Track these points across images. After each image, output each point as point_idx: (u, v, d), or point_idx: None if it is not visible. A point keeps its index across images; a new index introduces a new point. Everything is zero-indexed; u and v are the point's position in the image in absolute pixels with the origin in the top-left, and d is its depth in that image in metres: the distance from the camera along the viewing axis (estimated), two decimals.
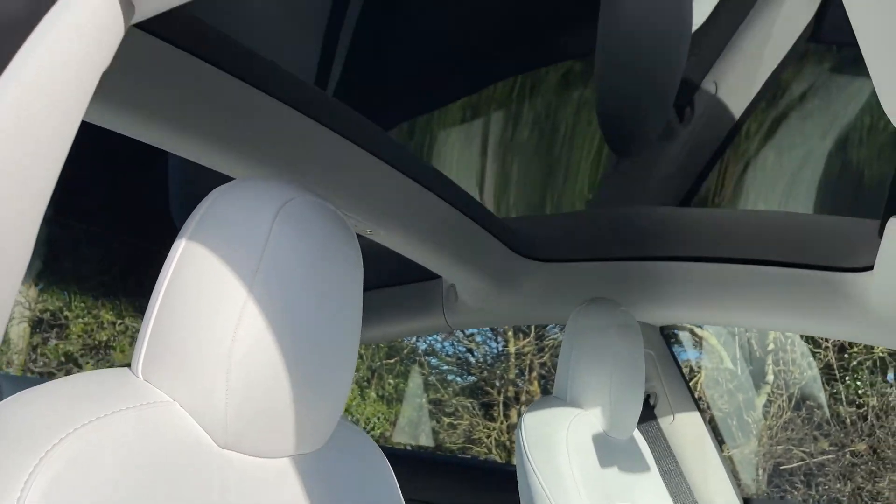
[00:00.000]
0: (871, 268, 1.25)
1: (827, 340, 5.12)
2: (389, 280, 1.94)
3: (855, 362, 5.17)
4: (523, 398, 5.86)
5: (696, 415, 1.82)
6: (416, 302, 1.92)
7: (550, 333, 5.75)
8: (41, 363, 4.78)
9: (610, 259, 1.62)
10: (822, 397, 5.24)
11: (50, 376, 4.71)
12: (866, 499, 4.96)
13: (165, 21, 0.86)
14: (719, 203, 2.07)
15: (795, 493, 5.06)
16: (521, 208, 2.31)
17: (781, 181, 2.08)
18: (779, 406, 5.18)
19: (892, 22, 0.49)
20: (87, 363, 4.82)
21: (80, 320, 4.91)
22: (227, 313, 0.66)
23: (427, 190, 1.32)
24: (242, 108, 0.99)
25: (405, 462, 2.43)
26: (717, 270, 1.52)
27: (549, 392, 1.82)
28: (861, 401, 5.14)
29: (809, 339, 5.17)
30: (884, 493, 4.92)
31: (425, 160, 2.22)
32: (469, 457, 5.74)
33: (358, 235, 0.83)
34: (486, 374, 6.19)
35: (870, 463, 4.99)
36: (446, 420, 5.99)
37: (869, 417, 5.02)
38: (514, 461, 1.37)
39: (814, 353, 5.27)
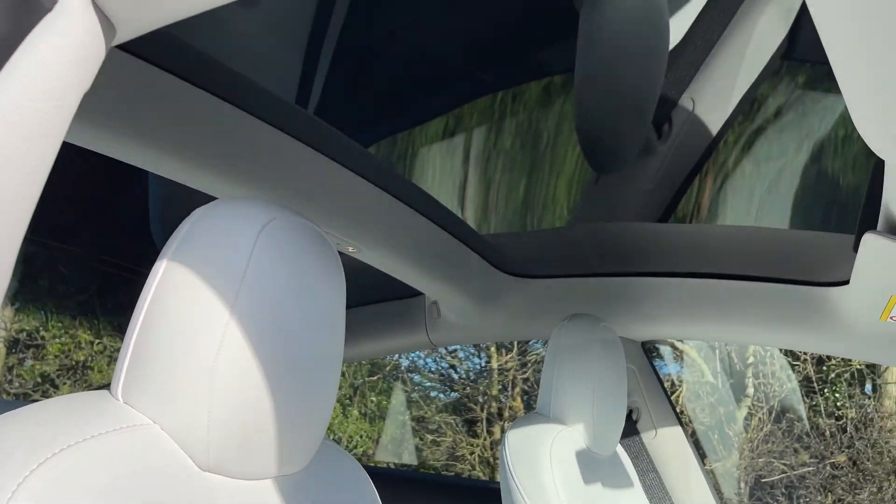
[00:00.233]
0: (846, 282, 1.27)
1: (805, 353, 5.17)
2: (372, 297, 1.94)
3: (833, 374, 5.23)
4: (506, 414, 5.85)
5: (678, 429, 1.83)
6: (399, 319, 1.91)
7: (533, 349, 5.75)
8: (17, 384, 4.69)
9: (591, 275, 1.63)
10: (802, 410, 5.29)
11: (26, 398, 4.62)
12: None
13: (145, 41, 0.87)
14: (698, 219, 2.09)
15: None
16: (502, 225, 2.32)
17: (758, 196, 2.11)
18: (759, 419, 5.22)
19: (860, 39, 0.50)
20: (65, 384, 4.74)
21: (58, 340, 4.83)
22: (209, 334, 0.66)
23: (409, 207, 1.32)
24: (223, 127, 0.99)
25: (389, 481, 2.41)
26: (697, 286, 1.54)
27: (532, 407, 1.82)
28: (840, 413, 5.19)
29: (788, 352, 5.22)
30: None
31: (406, 177, 2.23)
32: (452, 475, 5.71)
33: (340, 253, 0.83)
34: (469, 390, 6.17)
35: (850, 475, 5.03)
36: (429, 437, 5.96)
37: (848, 429, 5.07)
38: (498, 478, 1.37)
39: (793, 366, 5.32)
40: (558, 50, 2.03)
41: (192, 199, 0.81)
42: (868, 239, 1.00)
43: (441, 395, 6.32)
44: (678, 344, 4.95)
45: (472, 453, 5.79)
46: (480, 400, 6.04)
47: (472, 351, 6.20)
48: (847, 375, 5.22)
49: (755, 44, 1.82)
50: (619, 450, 1.49)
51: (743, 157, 2.10)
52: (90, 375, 4.82)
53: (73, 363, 4.84)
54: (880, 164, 0.89)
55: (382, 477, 1.49)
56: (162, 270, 0.68)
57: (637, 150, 1.76)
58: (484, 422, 5.86)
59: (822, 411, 5.23)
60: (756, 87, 1.91)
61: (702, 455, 1.93)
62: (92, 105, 0.86)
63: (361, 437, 5.90)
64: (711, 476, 1.84)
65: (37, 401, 0.66)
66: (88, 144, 0.92)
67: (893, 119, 0.59)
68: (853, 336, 1.40)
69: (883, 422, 5.16)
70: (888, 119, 0.60)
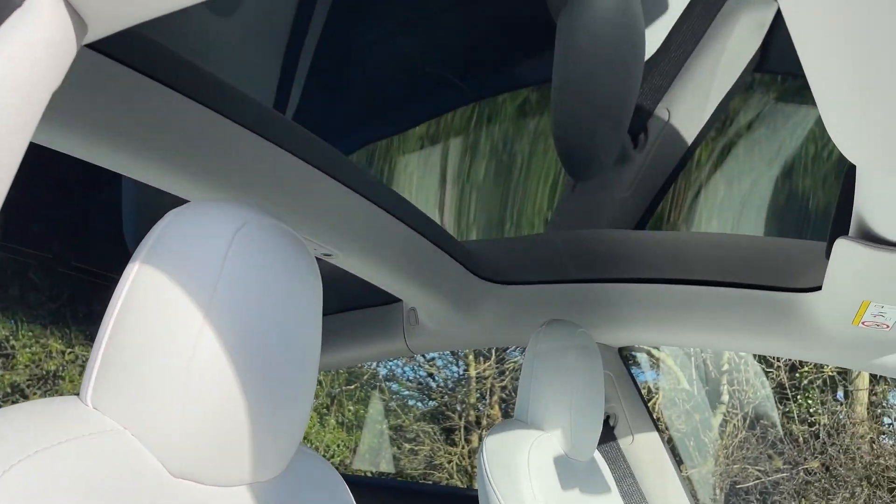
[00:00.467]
0: (819, 288, 1.29)
1: (779, 360, 5.24)
2: (349, 304, 1.93)
3: (806, 381, 5.30)
4: (484, 422, 5.84)
5: (655, 435, 1.84)
6: (377, 326, 1.90)
7: (511, 357, 5.76)
8: None
9: (568, 281, 1.64)
10: (776, 416, 5.35)
11: None
12: None
13: (120, 42, 0.85)
14: (673, 226, 2.11)
15: None
16: (480, 233, 2.32)
17: (732, 204, 2.14)
18: (734, 425, 5.27)
19: (833, 44, 0.51)
20: (35, 394, 4.64)
21: (28, 350, 4.74)
22: (182, 338, 0.65)
23: (387, 213, 1.32)
24: (198, 130, 0.98)
25: (366, 489, 2.39)
26: (672, 292, 1.55)
27: (510, 415, 1.82)
28: (813, 419, 5.26)
29: (762, 359, 5.29)
30: None
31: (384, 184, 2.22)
32: (430, 483, 5.68)
33: (317, 260, 0.82)
34: (447, 398, 6.16)
35: (823, 480, 5.10)
36: (407, 446, 5.93)
37: (821, 435, 5.14)
38: (476, 485, 1.36)
39: (766, 373, 5.38)
40: (538, 61, 2.05)
41: (166, 204, 0.80)
42: (840, 244, 1.02)
43: (419, 404, 6.30)
44: (654, 351, 4.99)
45: (449, 462, 5.77)
46: (458, 408, 6.03)
47: (450, 359, 6.19)
48: (819, 382, 5.30)
49: (729, 56, 1.85)
50: (597, 456, 1.50)
51: (717, 168, 2.13)
52: (61, 385, 4.73)
53: (44, 373, 4.75)
54: (852, 170, 0.91)
55: (360, 485, 1.48)
56: (134, 273, 0.67)
57: (613, 157, 1.78)
58: (462, 430, 5.85)
59: (796, 418, 5.29)
60: (730, 98, 1.94)
61: (678, 461, 1.95)
62: (66, 107, 0.85)
63: (339, 446, 5.85)
64: (688, 482, 1.85)
65: None
66: (62, 147, 0.91)
67: (865, 123, 0.60)
68: (825, 341, 1.42)
69: (855, 428, 5.23)
70: (860, 123, 0.61)
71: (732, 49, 1.85)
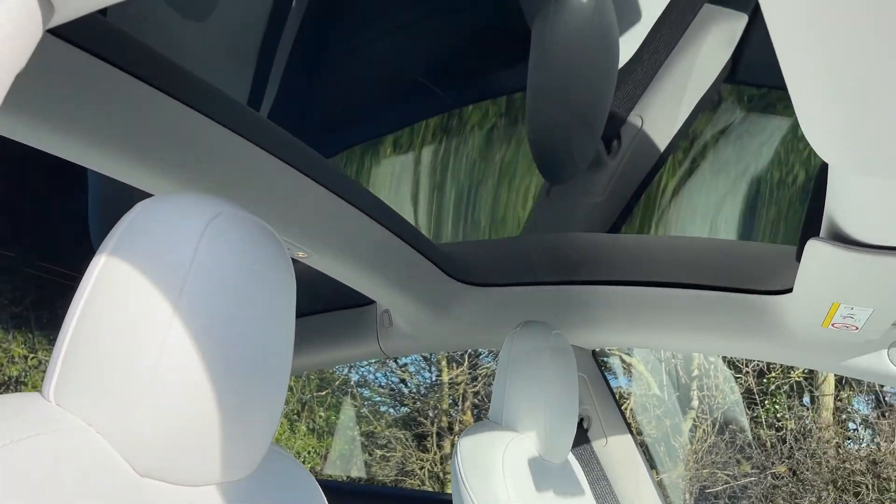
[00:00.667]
0: (790, 290, 1.30)
1: (747, 365, 5.31)
2: (321, 306, 1.91)
3: (773, 386, 5.38)
4: (457, 428, 5.83)
5: (629, 438, 1.85)
6: (350, 328, 1.88)
7: (483, 362, 5.76)
8: None
9: (543, 283, 1.64)
10: (744, 421, 5.42)
11: None
12: None
13: (89, 32, 0.83)
14: (647, 230, 2.14)
15: None
16: (456, 236, 2.32)
17: (705, 209, 2.17)
18: (704, 430, 5.33)
19: (809, 39, 0.51)
20: None
21: None
22: (150, 333, 0.63)
23: (362, 213, 1.30)
24: (169, 124, 0.95)
25: (340, 493, 2.36)
26: (646, 294, 1.56)
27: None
28: (780, 424, 5.34)
29: (731, 365, 5.36)
30: None
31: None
32: (404, 487, 5.65)
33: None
34: (419, 404, 6.13)
35: (790, 485, 5.17)
36: (379, 452, 5.89)
37: (788, 440, 5.22)
38: (448, 491, 1.35)
39: (735, 379, 5.46)
40: (515, 69, 2.06)
41: (135, 200, 0.77)
42: (811, 246, 1.03)
43: (391, 410, 6.27)
44: (626, 357, 5.03)
45: (421, 468, 5.75)
46: (431, 414, 6.01)
47: (423, 365, 6.18)
48: (786, 387, 5.38)
49: (700, 66, 1.88)
50: (571, 458, 1.49)
51: (690, 175, 2.16)
52: (24, 391, 4.62)
53: (6, 378, 4.64)
54: (824, 171, 0.92)
55: (333, 489, 1.46)
56: (100, 266, 0.65)
57: (588, 162, 1.79)
58: (434, 436, 5.83)
59: (763, 423, 5.37)
60: (702, 107, 1.97)
61: (650, 465, 1.96)
62: (32, 97, 0.82)
63: (309, 452, 5.80)
64: (660, 487, 1.87)
65: None
66: (27, 139, 0.88)
67: (839, 120, 0.61)
68: (796, 343, 1.44)
69: (821, 432, 5.33)
70: (834, 120, 0.61)
71: (704, 60, 1.88)
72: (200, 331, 0.64)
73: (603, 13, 1.62)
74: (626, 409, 4.92)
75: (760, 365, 5.28)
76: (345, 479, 5.60)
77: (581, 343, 1.75)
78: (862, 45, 0.51)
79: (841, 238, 0.98)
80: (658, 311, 1.57)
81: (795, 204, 2.07)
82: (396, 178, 2.36)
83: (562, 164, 1.77)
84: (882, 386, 5.14)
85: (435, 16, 2.06)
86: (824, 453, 5.23)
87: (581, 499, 1.45)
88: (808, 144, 0.66)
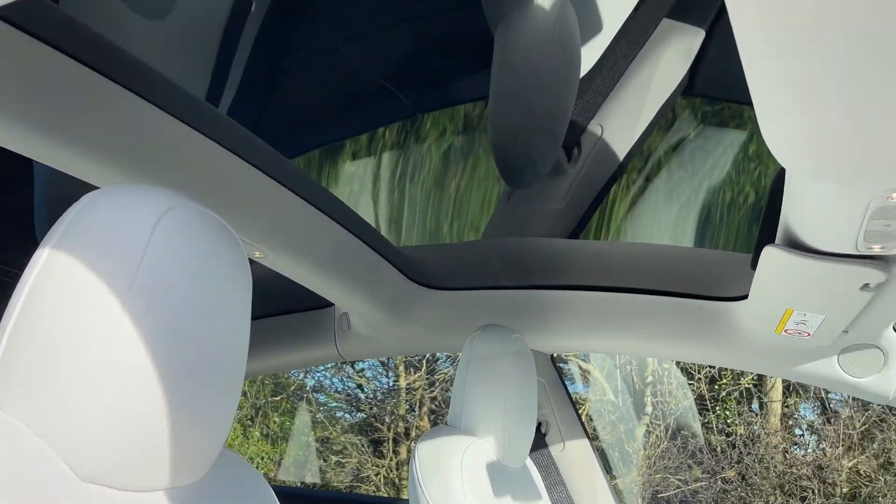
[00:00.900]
0: (745, 297, 1.32)
1: (699, 372, 5.42)
2: (278, 308, 1.87)
3: (724, 393, 5.50)
4: (413, 434, 5.80)
5: (586, 443, 1.86)
6: (307, 331, 1.85)
7: (441, 367, 5.75)
8: None
9: (503, 287, 1.64)
10: (696, 427, 5.53)
11: None
12: None
13: (37, 17, 0.80)
14: (605, 237, 2.16)
15: None
16: (416, 240, 2.31)
17: (664, 217, 2.21)
18: (657, 436, 5.41)
19: (772, 42, 0.51)
20: None
21: None
22: (96, 331, 0.60)
23: (321, 213, 1.27)
24: (120, 115, 0.92)
25: (293, 499, 2.31)
26: (605, 299, 1.57)
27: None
28: (730, 430, 5.46)
29: (684, 371, 5.46)
30: None
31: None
32: (360, 493, 5.60)
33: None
34: (375, 410, 6.09)
35: (739, 489, 5.28)
36: (334, 458, 5.83)
37: (737, 445, 5.33)
38: (403, 496, 1.33)
39: (688, 385, 5.56)
40: (478, 75, 2.07)
41: (84, 193, 0.74)
42: (767, 252, 1.05)
43: (347, 416, 6.22)
44: (582, 363, 5.08)
45: (377, 474, 5.70)
46: (387, 420, 5.98)
47: (380, 370, 6.14)
48: (737, 394, 5.51)
49: (658, 78, 1.93)
50: (529, 462, 1.49)
51: (648, 183, 2.20)
52: None
53: None
54: (780, 178, 0.93)
55: (288, 495, 1.42)
56: (43, 260, 0.62)
57: (548, 167, 1.80)
58: (390, 442, 5.79)
59: (714, 428, 5.48)
60: (660, 118, 2.01)
61: (607, 470, 1.98)
62: None
63: (263, 458, 5.70)
64: (615, 492, 1.88)
65: None
66: None
67: (798, 124, 0.62)
68: (750, 349, 1.46)
69: (769, 438, 5.46)
70: (793, 124, 0.62)
71: (662, 72, 1.93)
72: (150, 329, 0.61)
73: (565, 22, 1.63)
74: (581, 414, 4.97)
75: (712, 371, 5.39)
76: (299, 485, 5.52)
77: (540, 347, 1.76)
78: (823, 53, 0.51)
79: (796, 245, 1.00)
80: (616, 316, 1.58)
81: (749, 216, 2.12)
82: (358, 180, 2.34)
83: (523, 169, 1.78)
84: (827, 392, 5.30)
85: (399, 21, 2.06)
86: (772, 458, 5.36)
87: (538, 503, 1.45)
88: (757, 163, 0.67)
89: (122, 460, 0.62)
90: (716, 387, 5.49)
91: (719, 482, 5.30)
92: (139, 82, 0.91)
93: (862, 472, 5.12)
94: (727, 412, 5.49)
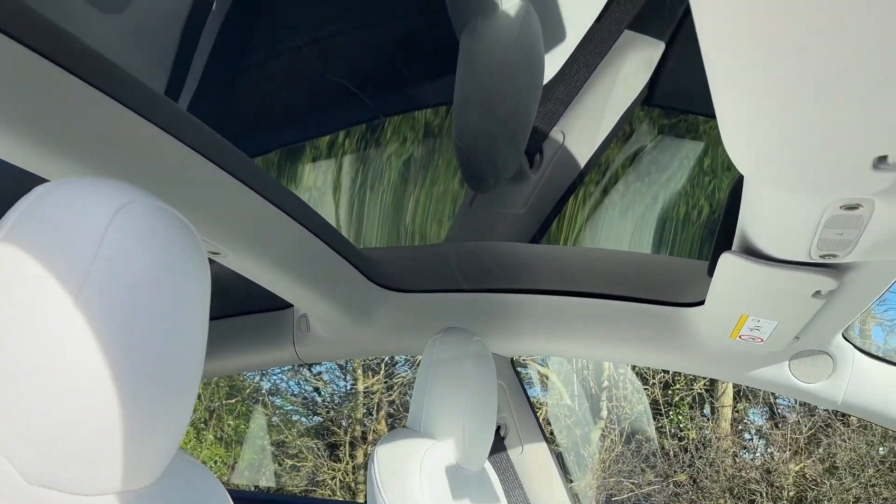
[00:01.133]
0: (702, 303, 1.35)
1: (654, 377, 5.51)
2: (235, 309, 1.84)
3: (677, 398, 5.60)
4: (370, 437, 5.77)
5: (544, 446, 1.87)
6: (265, 332, 1.82)
7: (400, 371, 5.73)
8: None
9: (463, 290, 1.64)
10: (650, 431, 5.62)
11: None
12: None
13: None
14: (565, 243, 2.19)
15: None
16: (377, 242, 2.30)
17: (623, 224, 2.25)
18: (612, 440, 5.48)
19: (735, 45, 0.52)
20: None
21: None
22: (45, 329, 0.58)
23: (280, 212, 1.25)
24: (72, 105, 0.88)
25: (248, 503, 2.27)
26: (563, 303, 1.59)
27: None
28: (682, 434, 5.57)
29: (639, 375, 5.54)
30: None
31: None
32: (318, 498, 5.54)
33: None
34: (332, 413, 6.04)
35: (690, 492, 5.39)
36: (289, 462, 5.75)
37: (689, 449, 5.44)
38: (359, 500, 1.32)
39: (643, 389, 5.65)
40: (443, 79, 2.08)
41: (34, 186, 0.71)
42: (724, 259, 1.07)
43: (303, 419, 6.15)
44: (540, 367, 5.12)
45: (333, 478, 5.65)
46: (344, 423, 5.93)
47: (338, 373, 6.09)
48: (689, 399, 5.62)
49: (619, 88, 1.96)
50: (488, 465, 1.49)
51: (608, 190, 2.23)
52: None
53: None
54: (738, 186, 0.95)
55: (242, 499, 1.40)
56: None
57: (511, 171, 1.82)
58: (347, 445, 5.74)
59: (667, 432, 5.58)
60: (621, 126, 2.05)
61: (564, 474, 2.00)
62: None
63: (216, 462, 5.59)
64: (572, 495, 1.90)
65: None
66: None
67: (759, 132, 0.63)
68: (706, 354, 1.49)
69: (719, 442, 5.58)
70: (753, 131, 0.63)
71: (623, 82, 1.96)
72: (103, 328, 0.59)
73: (529, 30, 1.65)
74: (539, 418, 5.01)
75: (666, 376, 5.49)
76: (253, 489, 5.43)
77: (500, 351, 1.76)
78: (786, 63, 0.52)
79: (752, 252, 1.02)
80: (575, 320, 1.60)
81: (703, 230, 2.17)
82: (318, 179, 2.32)
83: (486, 173, 1.79)
84: (776, 398, 5.44)
85: (364, 24, 2.05)
86: (722, 462, 5.48)
87: None
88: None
89: (72, 463, 0.60)
90: (669, 392, 5.59)
91: (671, 486, 5.39)
92: (95, 73, 0.88)
93: (808, 475, 5.27)
94: (680, 417, 5.59)
